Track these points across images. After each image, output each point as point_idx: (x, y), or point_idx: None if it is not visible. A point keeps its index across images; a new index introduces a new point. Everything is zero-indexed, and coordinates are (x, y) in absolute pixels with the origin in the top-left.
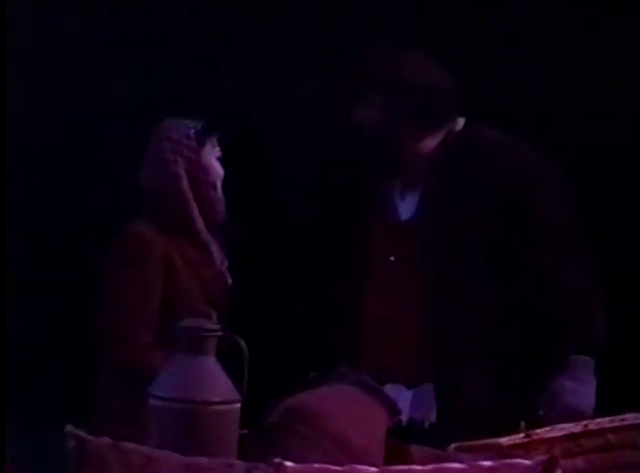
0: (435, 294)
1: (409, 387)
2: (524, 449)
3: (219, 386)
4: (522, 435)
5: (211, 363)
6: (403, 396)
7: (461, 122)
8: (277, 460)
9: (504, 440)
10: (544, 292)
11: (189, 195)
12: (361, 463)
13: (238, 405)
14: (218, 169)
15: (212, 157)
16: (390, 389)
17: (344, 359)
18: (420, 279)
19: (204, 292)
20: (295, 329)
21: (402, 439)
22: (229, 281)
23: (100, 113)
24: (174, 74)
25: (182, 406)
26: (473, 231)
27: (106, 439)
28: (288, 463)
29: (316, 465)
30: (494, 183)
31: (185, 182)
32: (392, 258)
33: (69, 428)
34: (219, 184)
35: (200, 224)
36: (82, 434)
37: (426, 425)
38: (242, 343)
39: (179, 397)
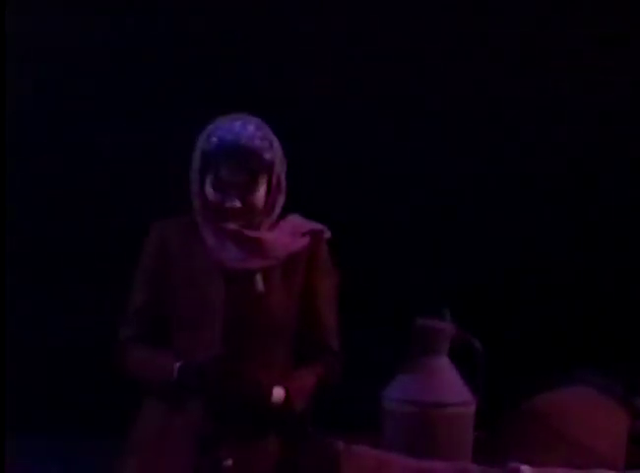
0: None
1: None
2: None
3: (454, 388)
4: None
5: (445, 363)
6: None
7: None
8: (513, 464)
9: None
10: None
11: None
12: (601, 468)
13: (473, 407)
14: (209, 198)
15: (207, 185)
16: None
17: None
18: None
19: (196, 288)
20: (533, 329)
21: None
22: (259, 287)
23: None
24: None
25: (417, 408)
26: None
27: (340, 443)
28: (525, 467)
29: (556, 469)
30: None
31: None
32: None
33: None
34: (211, 206)
35: (198, 219)
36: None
37: None
38: (477, 343)
39: (414, 399)
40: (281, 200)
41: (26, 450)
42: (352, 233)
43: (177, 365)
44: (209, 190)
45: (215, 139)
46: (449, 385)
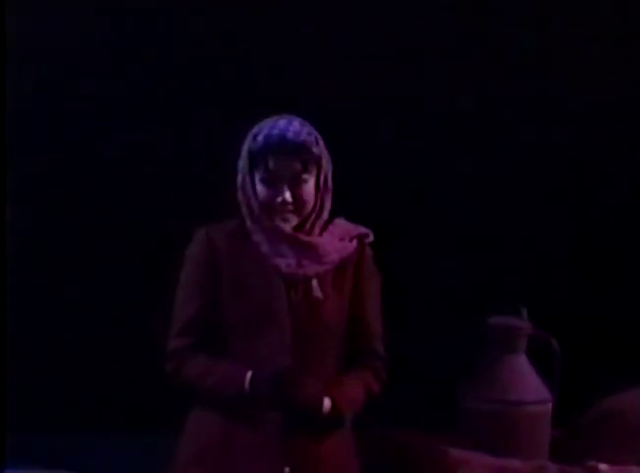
0: None
1: None
2: None
3: (530, 386)
4: None
5: (522, 361)
6: None
7: None
8: (590, 463)
9: None
10: None
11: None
12: None
13: (550, 405)
14: (261, 196)
15: (257, 183)
16: None
17: None
18: None
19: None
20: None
21: None
22: (316, 293)
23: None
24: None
25: (494, 406)
26: None
27: (419, 443)
28: (603, 466)
29: (634, 468)
30: None
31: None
32: None
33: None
34: (262, 206)
35: (249, 224)
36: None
37: None
38: (554, 342)
39: (491, 397)
40: (329, 201)
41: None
42: None
43: (249, 375)
44: (259, 187)
45: (261, 137)
46: (528, 384)
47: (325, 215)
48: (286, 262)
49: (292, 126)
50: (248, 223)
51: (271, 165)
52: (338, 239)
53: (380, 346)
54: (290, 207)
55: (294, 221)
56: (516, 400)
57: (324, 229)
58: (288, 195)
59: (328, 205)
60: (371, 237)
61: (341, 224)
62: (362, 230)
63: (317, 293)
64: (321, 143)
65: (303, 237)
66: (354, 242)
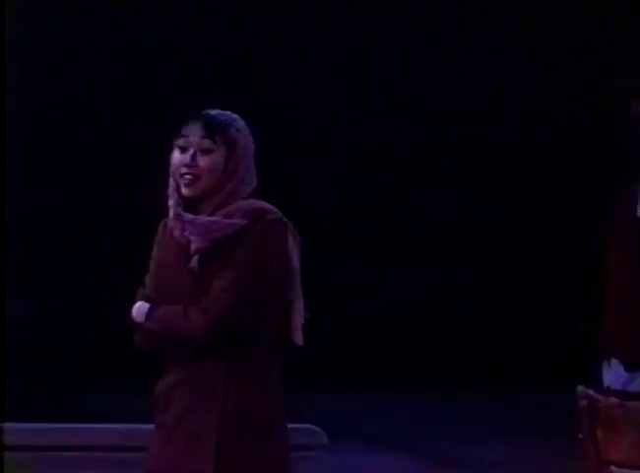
0: None
1: None
2: None
3: None
4: None
5: None
6: None
7: None
8: None
9: None
10: None
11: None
12: None
13: None
14: (174, 161)
15: (175, 151)
16: None
17: None
18: None
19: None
20: None
21: None
22: (193, 266)
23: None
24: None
25: None
26: None
27: (614, 399)
28: None
29: None
30: None
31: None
32: None
33: (581, 388)
34: (174, 174)
35: (171, 210)
36: (593, 393)
37: None
38: None
39: None
40: (237, 189)
41: None
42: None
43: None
44: (175, 155)
45: None
46: None
47: (225, 199)
48: (183, 237)
49: (222, 111)
50: (169, 202)
51: (184, 129)
52: (228, 217)
53: (209, 302)
54: (192, 172)
55: (194, 191)
56: None
57: (221, 208)
58: (190, 159)
59: (233, 192)
60: (272, 215)
61: (243, 203)
62: (258, 206)
63: (193, 264)
64: (244, 134)
65: (186, 216)
66: (245, 219)
